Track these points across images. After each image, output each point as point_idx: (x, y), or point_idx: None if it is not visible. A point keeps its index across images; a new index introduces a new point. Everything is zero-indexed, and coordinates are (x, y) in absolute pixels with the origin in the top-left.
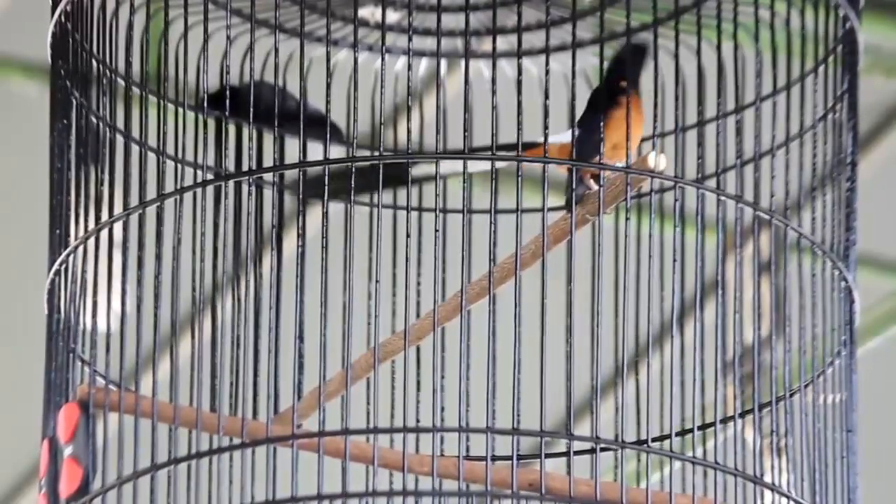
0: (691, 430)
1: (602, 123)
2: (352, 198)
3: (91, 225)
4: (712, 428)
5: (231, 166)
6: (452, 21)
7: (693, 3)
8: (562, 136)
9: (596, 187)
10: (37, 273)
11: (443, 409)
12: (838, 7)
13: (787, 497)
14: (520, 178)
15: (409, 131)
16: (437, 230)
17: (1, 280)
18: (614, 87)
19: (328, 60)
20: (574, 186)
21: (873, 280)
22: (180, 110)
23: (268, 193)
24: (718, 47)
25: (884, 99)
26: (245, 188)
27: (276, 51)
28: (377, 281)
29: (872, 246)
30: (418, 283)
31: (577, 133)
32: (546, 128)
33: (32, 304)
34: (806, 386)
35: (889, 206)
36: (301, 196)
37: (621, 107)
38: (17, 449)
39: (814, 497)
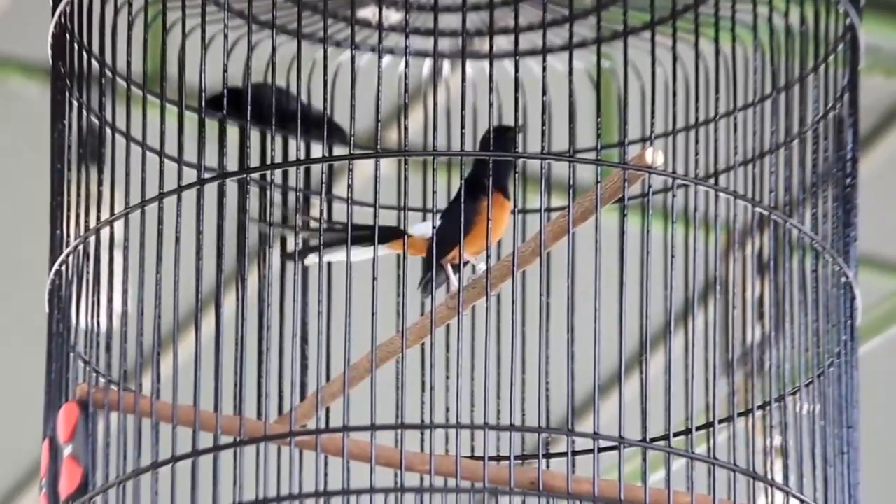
0: (689, 431)
1: (464, 217)
2: (350, 196)
3: (91, 224)
4: (715, 425)
5: (235, 167)
6: (455, 21)
7: (691, 3)
8: (424, 227)
9: (454, 277)
10: (37, 273)
11: (447, 408)
12: (838, 4)
13: (788, 493)
14: (517, 177)
15: (406, 129)
16: (433, 227)
17: (1, 280)
18: (479, 184)
19: (325, 60)
20: (434, 274)
21: (873, 280)
22: (180, 110)
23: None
24: (716, 46)
25: (884, 99)
26: (250, 188)
27: (274, 50)
28: (375, 279)
29: (872, 246)
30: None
31: (437, 225)
32: (544, 124)
33: (32, 304)
34: (808, 384)
35: (889, 206)
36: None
37: (483, 204)
38: (18, 448)
39: (814, 493)
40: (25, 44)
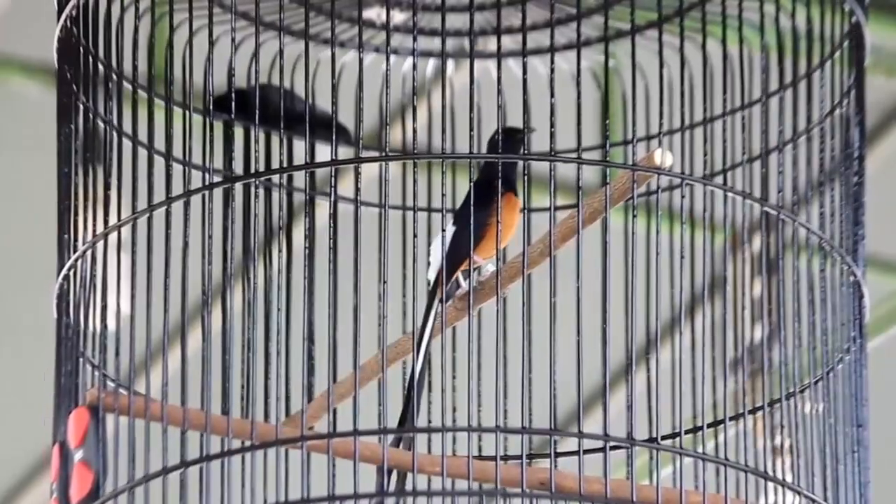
0: (700, 428)
1: (476, 224)
2: (358, 199)
3: (99, 229)
4: (723, 424)
5: (240, 169)
6: (459, 21)
7: (697, 2)
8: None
9: (465, 282)
10: (41, 276)
11: (454, 409)
12: (844, 2)
13: (798, 492)
14: (524, 178)
15: (414, 131)
16: (443, 230)
17: (7, 283)
18: (489, 186)
19: (333, 62)
20: (446, 284)
21: (875, 280)
22: (187, 113)
23: (274, 195)
24: (724, 44)
25: (885, 98)
26: (253, 190)
27: (281, 52)
28: (385, 282)
29: (874, 245)
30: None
31: (452, 232)
32: (553, 126)
33: (39, 308)
34: (816, 382)
35: (890, 205)
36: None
37: (494, 208)
38: (18, 449)
39: (824, 492)
40: (26, 44)
